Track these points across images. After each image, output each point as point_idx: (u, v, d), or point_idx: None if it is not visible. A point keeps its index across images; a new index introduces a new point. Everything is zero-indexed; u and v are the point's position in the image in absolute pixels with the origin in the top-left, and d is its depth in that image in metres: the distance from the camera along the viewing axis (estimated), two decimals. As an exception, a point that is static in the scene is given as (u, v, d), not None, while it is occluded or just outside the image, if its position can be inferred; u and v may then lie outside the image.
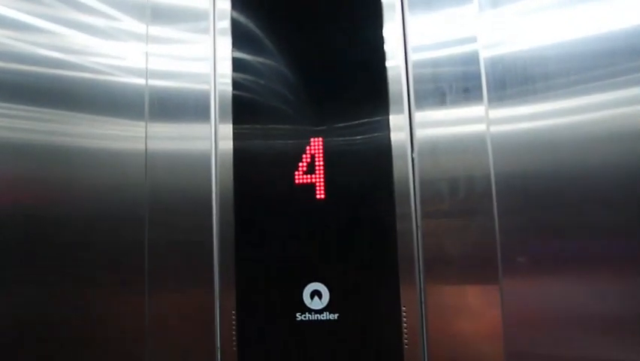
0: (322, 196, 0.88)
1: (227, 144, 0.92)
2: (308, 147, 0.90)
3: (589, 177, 0.82)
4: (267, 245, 0.89)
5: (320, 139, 0.90)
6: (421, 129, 0.88)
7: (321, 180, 0.88)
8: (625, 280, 0.80)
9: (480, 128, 0.86)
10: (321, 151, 0.89)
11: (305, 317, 0.86)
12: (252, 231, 0.90)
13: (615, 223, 0.81)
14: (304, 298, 0.87)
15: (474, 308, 0.83)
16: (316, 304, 0.86)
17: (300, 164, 0.90)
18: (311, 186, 0.88)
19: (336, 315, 0.85)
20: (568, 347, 0.80)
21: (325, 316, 0.86)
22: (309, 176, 0.89)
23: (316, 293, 0.87)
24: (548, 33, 0.87)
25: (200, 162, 0.92)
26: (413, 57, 0.91)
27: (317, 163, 0.89)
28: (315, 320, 0.86)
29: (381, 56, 0.91)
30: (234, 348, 0.87)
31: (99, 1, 0.99)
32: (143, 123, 0.95)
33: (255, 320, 0.87)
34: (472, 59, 0.89)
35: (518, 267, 0.82)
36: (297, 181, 0.89)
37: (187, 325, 0.89)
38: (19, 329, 0.91)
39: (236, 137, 0.92)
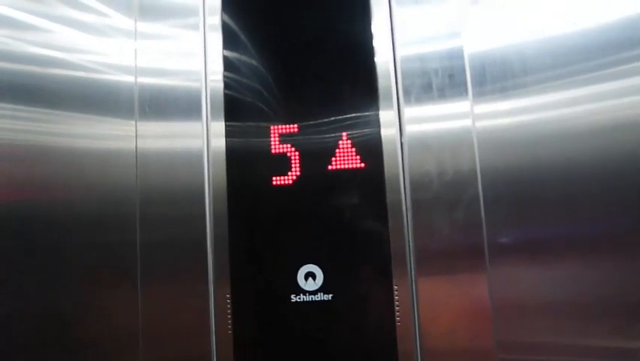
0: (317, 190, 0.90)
1: (219, 142, 0.92)
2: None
3: (572, 169, 0.86)
4: (260, 237, 0.90)
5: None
6: (410, 125, 0.90)
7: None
8: (606, 267, 0.84)
9: (466, 123, 0.89)
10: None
11: (299, 298, 0.88)
12: (245, 226, 0.90)
13: (596, 213, 0.85)
14: (298, 280, 0.89)
15: (463, 292, 0.86)
16: (310, 285, 0.89)
17: (293, 160, 0.91)
18: (305, 182, 0.90)
19: (330, 295, 0.88)
20: (552, 334, 0.84)
21: (319, 296, 0.88)
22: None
23: (310, 275, 0.89)
24: (532, 28, 0.90)
25: (192, 161, 0.92)
26: (401, 52, 0.92)
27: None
28: (309, 300, 0.88)
29: (370, 51, 0.92)
30: (229, 332, 0.88)
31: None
32: (132, 122, 0.94)
33: (249, 302, 0.89)
34: (457, 54, 0.91)
35: (504, 257, 0.86)
36: (289, 179, 0.90)
37: (181, 314, 0.89)
38: (6, 330, 0.90)
39: (228, 134, 0.92)
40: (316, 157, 0.91)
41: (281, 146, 0.91)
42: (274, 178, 0.91)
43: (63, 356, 0.90)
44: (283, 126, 0.92)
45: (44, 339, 0.90)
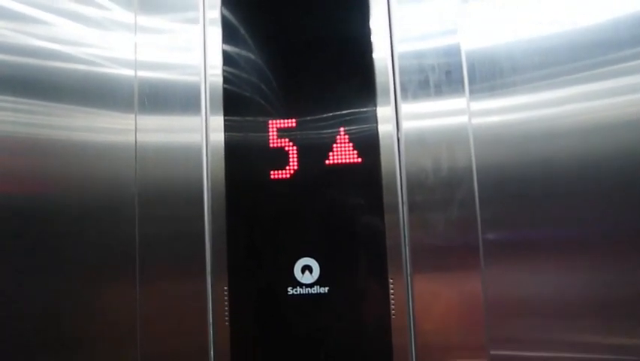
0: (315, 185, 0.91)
1: (218, 136, 0.93)
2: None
3: (567, 168, 0.87)
4: (258, 230, 0.91)
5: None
6: (407, 121, 0.91)
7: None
8: (599, 265, 0.85)
9: (462, 119, 0.89)
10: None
11: (296, 291, 0.89)
12: (243, 219, 0.91)
13: (589, 212, 0.86)
14: (295, 273, 0.90)
15: (457, 288, 0.87)
16: (307, 278, 0.90)
17: (291, 154, 0.92)
18: (302, 176, 0.91)
19: (327, 288, 0.89)
20: (544, 331, 0.85)
21: (316, 289, 0.89)
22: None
23: (307, 268, 0.90)
24: (528, 26, 0.91)
25: (191, 155, 0.92)
26: (399, 49, 0.93)
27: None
28: (306, 293, 0.89)
29: (368, 47, 0.93)
30: (227, 323, 0.89)
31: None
32: (132, 116, 0.94)
33: (246, 295, 0.90)
34: (454, 51, 0.91)
35: (499, 254, 0.87)
36: (287, 173, 0.91)
37: (179, 307, 0.90)
38: (4, 322, 0.90)
39: (227, 129, 0.93)
40: (314, 151, 0.92)
41: (279, 140, 0.92)
42: (272, 172, 0.92)
43: (61, 347, 0.90)
44: (281, 121, 0.93)
45: (39, 332, 0.90)
